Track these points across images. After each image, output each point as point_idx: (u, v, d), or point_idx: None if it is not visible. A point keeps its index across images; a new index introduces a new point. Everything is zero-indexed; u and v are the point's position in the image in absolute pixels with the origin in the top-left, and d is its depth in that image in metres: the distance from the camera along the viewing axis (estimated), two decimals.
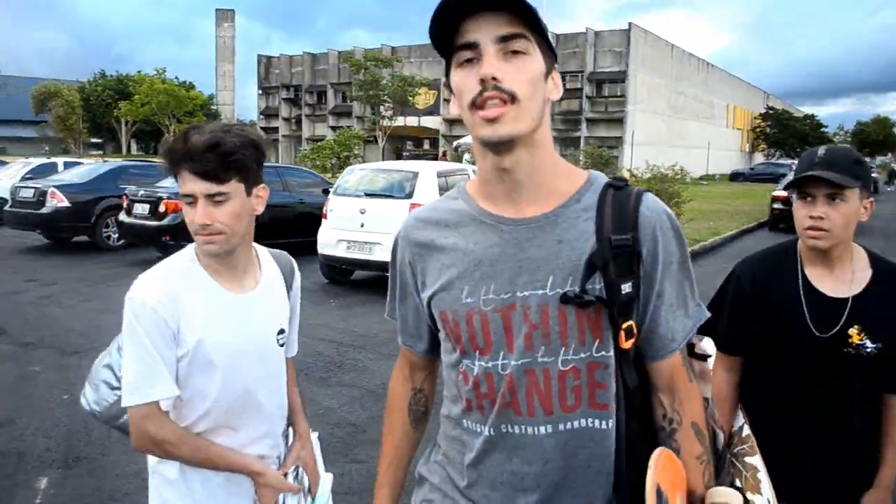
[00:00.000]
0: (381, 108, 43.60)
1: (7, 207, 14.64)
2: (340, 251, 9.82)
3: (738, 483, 2.15)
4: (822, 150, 2.05)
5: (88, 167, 15.55)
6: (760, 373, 2.23)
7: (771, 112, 72.00)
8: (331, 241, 9.93)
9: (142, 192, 12.22)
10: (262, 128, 66.16)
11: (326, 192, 13.53)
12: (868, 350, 2.02)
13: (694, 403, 1.41)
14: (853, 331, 2.03)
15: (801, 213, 2.06)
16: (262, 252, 2.01)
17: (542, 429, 1.33)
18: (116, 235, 13.77)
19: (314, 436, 2.15)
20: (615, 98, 48.51)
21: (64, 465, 4.45)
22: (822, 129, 75.11)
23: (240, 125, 1.87)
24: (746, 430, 2.20)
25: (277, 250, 2.09)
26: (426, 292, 1.42)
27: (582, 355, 1.30)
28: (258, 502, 1.91)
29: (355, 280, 10.84)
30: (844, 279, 2.08)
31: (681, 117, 55.39)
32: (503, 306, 1.31)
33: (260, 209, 1.83)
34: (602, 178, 1.39)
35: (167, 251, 12.36)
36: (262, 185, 1.84)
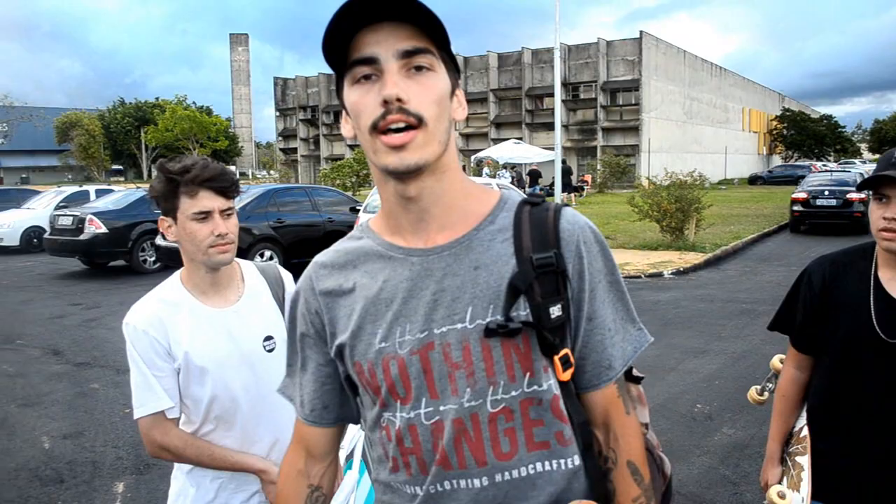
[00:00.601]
0: None
1: (47, 235, 15.20)
2: None
3: (784, 480, 2.24)
4: None
5: (122, 194, 16.05)
6: (834, 374, 2.14)
7: (787, 114, 71.75)
8: None
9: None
10: (280, 148, 67.13)
11: (353, 209, 13.95)
12: None
13: (630, 439, 1.26)
14: None
15: (876, 214, 1.98)
16: (247, 267, 2.19)
17: (478, 482, 1.18)
18: (153, 259, 14.24)
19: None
20: (630, 106, 48.66)
21: (136, 472, 4.79)
22: (840, 129, 74.69)
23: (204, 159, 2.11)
24: (805, 432, 2.21)
25: (265, 263, 2.29)
26: (336, 343, 1.26)
27: (513, 393, 1.17)
28: (266, 499, 2.08)
29: None
30: None
31: (696, 123, 55.42)
32: (420, 347, 1.18)
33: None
34: (516, 196, 1.29)
35: None
36: None
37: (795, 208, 18.92)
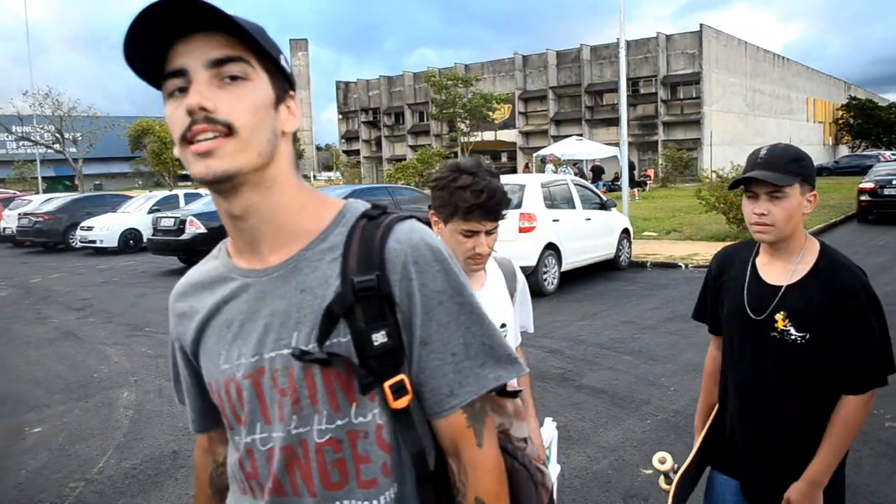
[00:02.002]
0: (463, 125, 44.80)
1: (150, 235, 16.51)
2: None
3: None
4: (763, 151, 2.16)
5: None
6: (725, 351, 2.36)
7: (854, 102, 70.00)
8: None
9: None
10: (343, 151, 68.65)
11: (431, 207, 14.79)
12: (794, 337, 2.10)
13: (480, 475, 1.18)
14: (779, 316, 2.14)
15: (748, 210, 2.17)
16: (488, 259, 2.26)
17: None
18: None
19: (552, 425, 2.28)
20: (690, 100, 48.45)
21: None
22: None
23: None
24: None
25: (502, 257, 2.37)
26: (196, 362, 1.28)
27: (339, 423, 1.13)
28: None
29: None
30: (787, 269, 2.18)
31: (758, 115, 54.75)
32: (253, 371, 1.16)
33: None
34: (357, 208, 1.22)
35: None
36: None
37: (863, 198, 18.96)
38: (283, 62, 1.15)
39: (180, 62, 1.07)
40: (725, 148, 45.19)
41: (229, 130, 1.06)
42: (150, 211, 19.79)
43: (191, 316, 1.26)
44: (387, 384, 1.12)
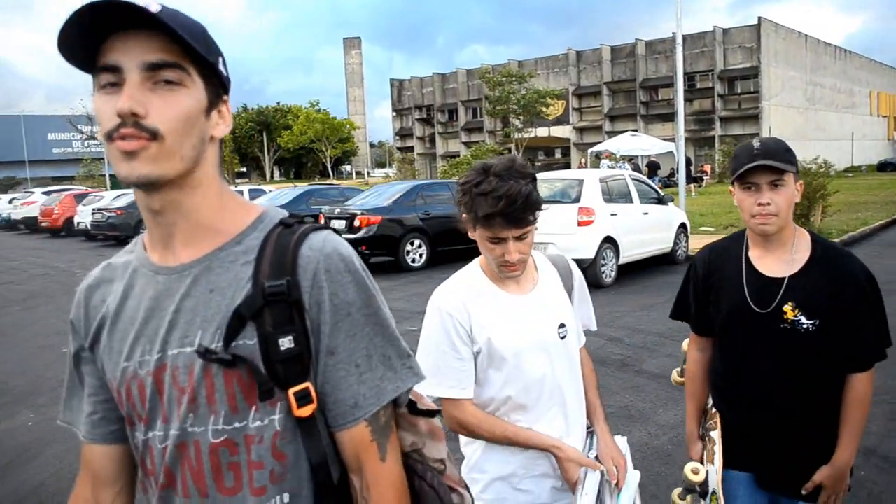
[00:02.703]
0: (517, 121, 44.96)
1: None
2: None
3: (705, 455, 2.38)
4: (756, 143, 2.16)
5: (282, 192, 17.89)
6: (726, 350, 2.34)
7: None
8: None
9: (338, 210, 14.26)
10: (398, 147, 69.45)
11: None
12: (804, 326, 2.14)
13: (383, 490, 1.18)
14: (787, 307, 2.15)
15: (749, 202, 2.16)
16: (539, 257, 2.21)
17: None
18: None
19: (623, 440, 2.24)
20: (748, 94, 47.75)
21: None
22: None
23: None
24: (714, 408, 2.41)
25: (556, 254, 2.33)
26: (97, 359, 1.24)
27: (236, 425, 1.12)
28: (561, 477, 2.06)
29: None
30: (784, 259, 2.20)
31: (819, 109, 53.61)
32: (155, 368, 1.15)
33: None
34: (276, 215, 1.23)
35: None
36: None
37: None
38: (221, 66, 1.17)
39: (115, 58, 1.07)
40: None
41: (154, 136, 1.06)
42: None
43: (99, 310, 1.24)
44: (292, 391, 1.12)
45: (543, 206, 1.99)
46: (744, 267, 2.26)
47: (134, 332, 1.18)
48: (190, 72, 1.10)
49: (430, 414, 1.34)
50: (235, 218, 1.20)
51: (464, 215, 2.00)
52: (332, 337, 1.15)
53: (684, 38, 18.18)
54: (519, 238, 1.96)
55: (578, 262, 2.30)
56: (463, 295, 2.06)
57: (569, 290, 2.21)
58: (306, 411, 1.13)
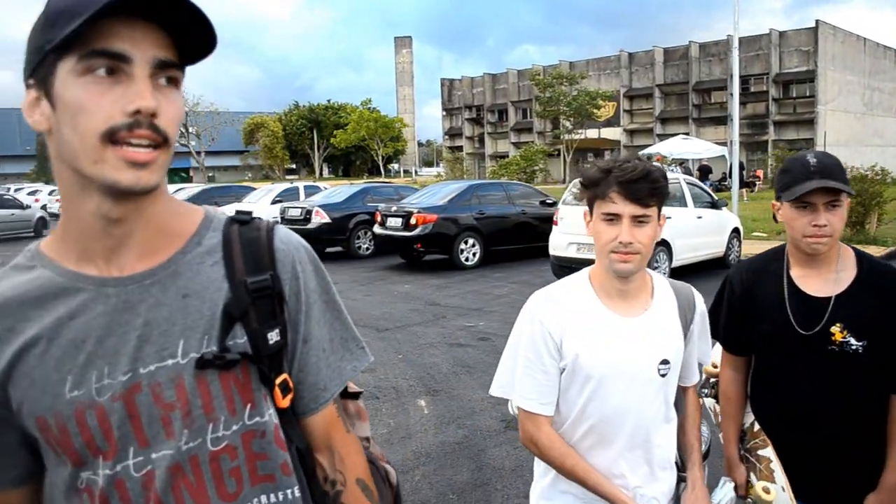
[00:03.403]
0: (567, 122, 44.96)
1: (278, 224, 17.72)
2: (571, 252, 11.50)
3: (752, 476, 2.25)
4: (813, 160, 2.06)
5: (338, 189, 18.35)
6: (766, 370, 2.28)
7: None
8: (562, 244, 11.66)
9: (394, 208, 14.63)
10: (447, 147, 69.90)
11: (544, 203, 15.39)
12: (854, 347, 2.06)
13: (355, 457, 1.26)
14: (835, 328, 2.07)
15: (802, 222, 2.06)
16: (660, 281, 2.03)
17: None
18: (366, 245, 16.37)
19: (730, 485, 2.12)
20: (804, 99, 46.97)
21: (429, 393, 6.43)
22: None
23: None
24: (757, 426, 2.29)
25: (680, 283, 2.10)
26: (13, 401, 1.06)
27: (234, 428, 1.11)
28: None
29: None
30: (829, 279, 2.12)
31: (877, 114, 52.38)
32: (124, 391, 1.05)
33: (659, 237, 1.90)
34: (220, 214, 1.21)
35: (412, 258, 14.28)
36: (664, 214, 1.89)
37: None
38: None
39: (121, 46, 0.97)
40: (840, 149, 43.47)
41: (165, 142, 1.01)
42: (273, 202, 21.14)
43: (11, 342, 1.05)
44: (277, 381, 1.14)
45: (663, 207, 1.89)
46: (785, 286, 2.17)
47: (83, 356, 1.05)
48: (183, 72, 1.08)
49: (356, 396, 1.42)
50: (185, 220, 1.17)
51: (587, 205, 1.92)
52: (306, 325, 1.18)
53: (739, 40, 18.12)
54: (640, 221, 1.82)
55: None
56: (561, 304, 1.93)
57: (686, 323, 2.01)
58: (287, 401, 1.16)
